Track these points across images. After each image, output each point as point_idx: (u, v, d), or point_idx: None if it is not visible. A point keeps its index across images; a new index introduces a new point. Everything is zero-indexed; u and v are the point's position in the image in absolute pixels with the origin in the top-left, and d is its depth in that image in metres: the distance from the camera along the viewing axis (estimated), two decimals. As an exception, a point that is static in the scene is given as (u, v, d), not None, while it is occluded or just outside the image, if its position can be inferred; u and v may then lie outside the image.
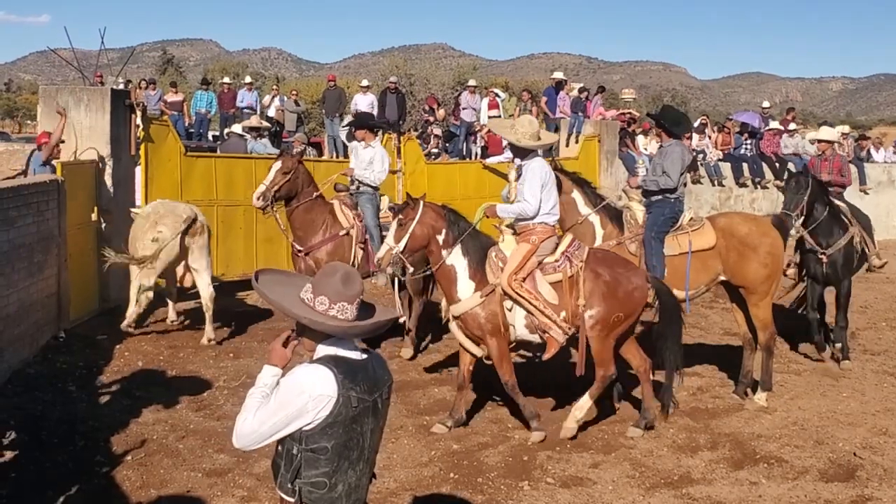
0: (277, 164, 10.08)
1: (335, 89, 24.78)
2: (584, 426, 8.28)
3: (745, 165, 22.45)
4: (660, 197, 9.28)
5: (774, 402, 9.14)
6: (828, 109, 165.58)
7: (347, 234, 10.37)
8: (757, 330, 9.31)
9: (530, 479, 7.09)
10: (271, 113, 24.17)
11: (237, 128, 18.92)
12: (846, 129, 26.92)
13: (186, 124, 23.35)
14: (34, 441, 7.44)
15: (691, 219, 9.35)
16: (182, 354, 10.30)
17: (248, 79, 27.05)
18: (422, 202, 7.98)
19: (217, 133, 23.81)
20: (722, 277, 9.28)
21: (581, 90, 23.05)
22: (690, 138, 20.97)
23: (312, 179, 10.45)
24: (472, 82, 25.31)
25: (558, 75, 24.24)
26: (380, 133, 11.21)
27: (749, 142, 22.91)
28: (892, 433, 8.30)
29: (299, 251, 10.29)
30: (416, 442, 7.87)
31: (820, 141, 12.54)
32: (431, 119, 24.14)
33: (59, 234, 10.65)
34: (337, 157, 23.20)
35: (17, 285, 9.44)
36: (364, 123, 11.19)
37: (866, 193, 24.44)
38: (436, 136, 20.93)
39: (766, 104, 27.41)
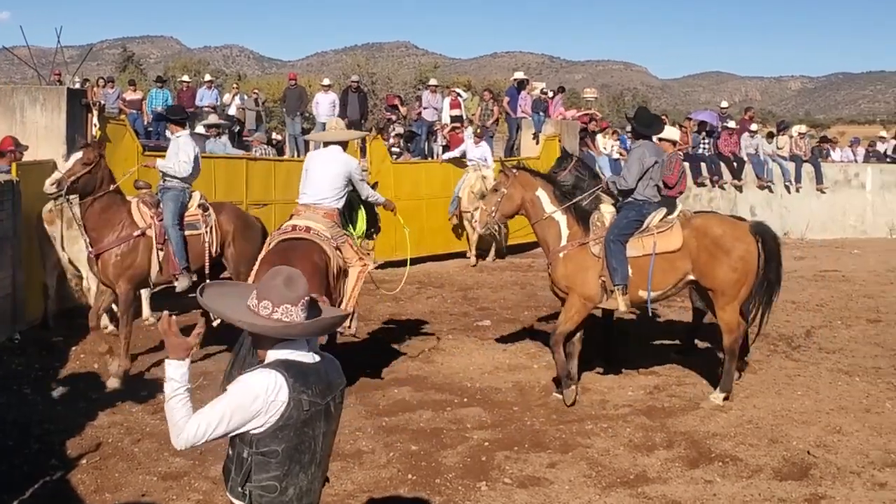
0: (79, 154, 9.41)
1: (296, 88, 24.71)
2: (541, 426, 8.36)
3: (703, 165, 22.62)
4: (629, 199, 9.29)
5: (729, 401, 9.22)
6: (787, 108, 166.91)
7: (143, 234, 9.56)
8: (722, 333, 9.33)
9: (488, 479, 7.12)
10: (232, 111, 24.08)
11: (199, 128, 18.87)
12: (803, 128, 27.21)
13: (145, 123, 23.17)
14: (-13, 445, 7.37)
15: (662, 219, 9.30)
16: (138, 357, 10.23)
17: (207, 77, 26.87)
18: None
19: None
20: (691, 277, 9.26)
21: (542, 91, 23.16)
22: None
23: (113, 176, 9.65)
24: (433, 81, 25.36)
25: (519, 75, 24.36)
26: (187, 125, 10.53)
27: (707, 141, 23.09)
28: (845, 432, 8.39)
29: (90, 252, 9.54)
30: (375, 443, 7.87)
31: (661, 140, 11.14)
32: (393, 118, 24.11)
33: (13, 235, 10.56)
34: (298, 155, 23.14)
35: (-29, 287, 9.34)
36: (167, 117, 10.62)
37: (823, 193, 24.74)
38: (397, 135, 20.91)
39: (724, 104, 27.60)
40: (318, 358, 3.86)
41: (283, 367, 3.68)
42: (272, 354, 3.77)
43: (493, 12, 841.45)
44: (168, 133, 10.69)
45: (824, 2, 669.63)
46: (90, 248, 9.51)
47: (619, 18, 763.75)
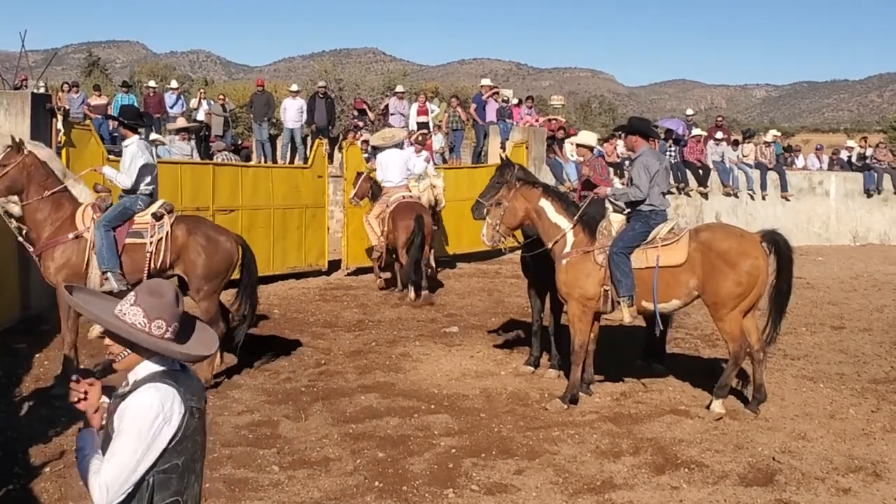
0: None
1: (263, 94, 24.68)
2: (508, 433, 8.36)
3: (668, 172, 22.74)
4: (638, 209, 9.27)
5: (695, 407, 9.27)
6: (752, 116, 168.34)
7: (79, 237, 9.42)
8: (727, 342, 9.26)
9: (455, 486, 7.11)
10: (200, 116, 23.98)
11: (167, 135, 18.85)
12: (777, 133, 27.53)
13: (111, 128, 22.99)
14: (-51, 454, 7.28)
15: (670, 230, 9.25)
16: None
17: (174, 83, 26.73)
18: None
19: (148, 137, 23.50)
20: (696, 292, 9.15)
21: (504, 99, 23.27)
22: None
23: (50, 176, 9.47)
24: (399, 88, 25.38)
25: (486, 82, 24.47)
26: (140, 131, 10.32)
27: (673, 148, 23.25)
28: (810, 438, 8.46)
29: (31, 252, 9.57)
30: (342, 450, 7.84)
31: (579, 146, 11.50)
32: (361, 124, 24.10)
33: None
34: (265, 161, 23.09)
35: (-67, 293, 9.23)
36: (120, 119, 10.33)
37: (788, 200, 24.99)
38: (364, 141, 20.87)
39: (690, 111, 27.85)
40: (180, 366, 3.75)
41: (169, 377, 3.59)
42: (147, 367, 3.63)
43: (460, 19, 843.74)
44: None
45: (790, 11, 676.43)
46: (29, 247, 9.53)
47: (587, 26, 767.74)
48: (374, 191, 15.82)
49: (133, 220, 9.63)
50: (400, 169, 15.61)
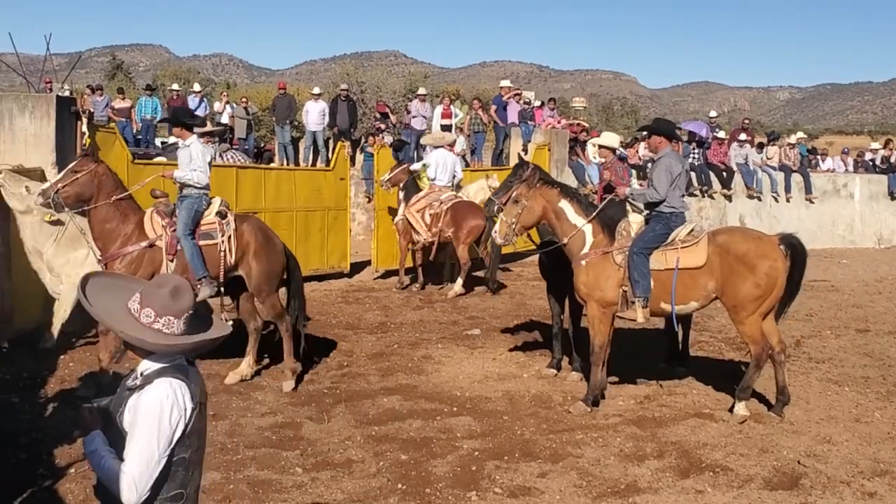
0: (72, 163, 9.47)
1: (285, 97, 24.76)
2: (531, 435, 8.34)
3: (692, 174, 22.67)
4: (657, 211, 9.25)
5: (720, 411, 9.22)
6: (775, 119, 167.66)
7: (152, 245, 9.43)
8: (749, 344, 9.22)
9: (478, 489, 7.09)
10: (224, 119, 24.09)
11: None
12: (802, 135, 27.41)
13: (134, 131, 23.14)
14: (-25, 454, 7.32)
15: (689, 232, 9.23)
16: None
17: (196, 86, 26.86)
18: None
19: (165, 140, 23.64)
20: (714, 295, 9.12)
21: (525, 101, 23.24)
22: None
23: (118, 184, 9.54)
24: (422, 90, 25.40)
25: (505, 83, 24.48)
26: (197, 130, 10.27)
27: (696, 151, 23.15)
28: (835, 441, 8.39)
29: (99, 260, 9.52)
30: (364, 452, 7.84)
31: (601, 147, 11.63)
32: (383, 126, 24.13)
33: (1, 243, 10.50)
34: (287, 163, 23.16)
35: (-41, 295, 9.28)
36: (176, 120, 10.26)
37: (812, 203, 24.84)
38: (385, 144, 20.90)
39: (713, 113, 27.74)
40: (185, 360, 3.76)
41: (180, 372, 3.61)
42: (155, 362, 3.64)
43: (482, 22, 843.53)
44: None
45: (813, 13, 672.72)
46: (98, 256, 9.49)
47: (609, 28, 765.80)
48: (408, 184, 16.11)
49: (200, 221, 9.65)
50: (449, 171, 16.41)
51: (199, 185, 9.68)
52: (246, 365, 9.90)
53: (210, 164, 9.94)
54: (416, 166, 16.91)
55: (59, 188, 9.15)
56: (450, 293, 15.56)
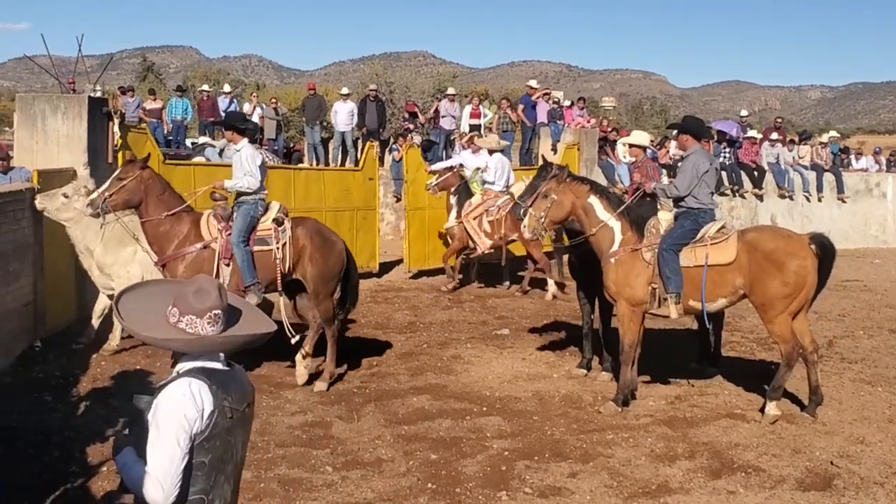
0: (118, 171, 9.52)
1: (315, 97, 24.80)
2: (561, 435, 8.32)
3: (723, 174, 22.55)
4: (683, 208, 9.25)
5: (751, 411, 9.16)
6: (806, 118, 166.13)
7: (207, 247, 9.51)
8: (779, 344, 9.15)
9: (508, 489, 7.08)
10: (254, 120, 24.18)
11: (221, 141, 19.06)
12: (834, 134, 27.21)
13: (165, 132, 23.27)
14: (9, 452, 7.38)
15: (719, 230, 9.21)
16: (159, 363, 10.22)
17: (226, 87, 26.98)
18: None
19: (195, 140, 23.76)
20: (742, 292, 9.06)
21: (555, 101, 23.19)
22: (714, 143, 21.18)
23: (165, 186, 9.60)
24: (451, 90, 25.39)
25: (533, 83, 24.44)
26: (248, 134, 10.28)
27: (727, 150, 23.02)
28: (868, 442, 8.32)
29: (156, 262, 9.62)
30: (394, 452, 7.85)
31: (631, 146, 11.70)
32: (412, 126, 24.14)
33: (34, 243, 10.60)
34: (317, 163, 23.21)
35: (-7, 294, 9.37)
36: (230, 124, 10.32)
37: (844, 202, 24.64)
38: (414, 144, 20.91)
39: (744, 112, 27.60)
40: (228, 366, 3.72)
41: (203, 374, 3.56)
42: (187, 363, 3.63)
43: (510, 22, 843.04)
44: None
45: (844, 12, 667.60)
46: (154, 259, 9.57)
47: (638, 27, 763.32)
48: (460, 189, 16.08)
49: (256, 227, 9.67)
50: (505, 176, 16.40)
51: (250, 191, 9.69)
52: (307, 362, 9.95)
53: (263, 167, 9.93)
54: (467, 170, 16.66)
55: (107, 196, 9.22)
56: (547, 296, 15.55)
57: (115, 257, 10.60)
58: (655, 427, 8.65)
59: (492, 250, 15.71)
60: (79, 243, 10.68)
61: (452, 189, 16.00)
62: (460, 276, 16.51)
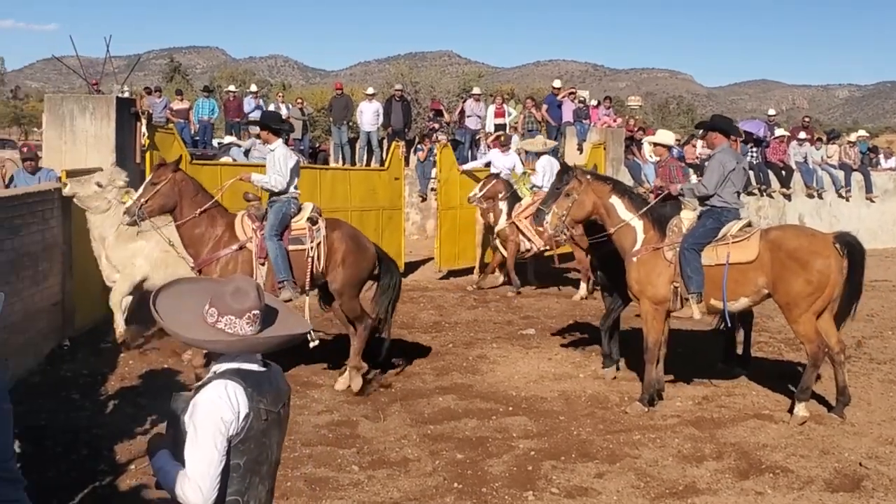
0: (150, 176, 9.50)
1: (342, 97, 24.89)
2: (588, 436, 8.30)
3: (750, 173, 22.39)
4: (707, 207, 9.23)
5: (779, 412, 9.10)
6: (834, 117, 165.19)
7: (242, 248, 9.46)
8: (804, 343, 9.10)
9: (535, 489, 7.07)
10: (282, 119, 24.27)
11: (249, 140, 19.19)
12: (863, 133, 26.99)
13: (192, 132, 23.41)
14: (37, 450, 7.43)
15: (742, 228, 9.17)
16: (186, 362, 10.28)
17: (253, 87, 27.11)
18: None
19: (221, 140, 23.89)
20: (766, 291, 9.01)
21: (580, 100, 23.14)
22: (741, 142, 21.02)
23: (199, 188, 9.56)
24: (476, 90, 25.40)
25: (557, 83, 24.43)
26: (282, 135, 10.25)
27: (754, 150, 22.87)
28: (898, 443, 8.26)
29: (193, 267, 9.57)
30: (420, 451, 7.85)
31: (657, 145, 11.68)
32: (437, 126, 24.16)
33: (63, 242, 10.67)
34: (343, 163, 23.27)
35: (22, 294, 9.44)
36: (264, 124, 10.27)
37: (872, 201, 24.44)
38: (447, 143, 20.90)
39: (771, 112, 27.41)
40: (264, 367, 3.71)
41: (238, 376, 3.54)
42: (222, 364, 3.61)
43: (535, 21, 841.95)
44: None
45: (873, 10, 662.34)
46: (191, 263, 9.57)
47: (664, 26, 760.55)
48: (507, 195, 16.09)
49: (290, 226, 9.65)
50: (552, 177, 15.81)
51: (275, 190, 9.68)
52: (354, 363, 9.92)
53: (295, 168, 9.87)
54: (507, 173, 16.76)
55: (143, 203, 9.20)
56: (575, 297, 15.63)
57: (126, 250, 10.66)
58: (682, 427, 8.61)
59: (547, 247, 15.65)
60: (94, 230, 10.74)
61: (500, 195, 15.99)
62: (503, 278, 16.61)
